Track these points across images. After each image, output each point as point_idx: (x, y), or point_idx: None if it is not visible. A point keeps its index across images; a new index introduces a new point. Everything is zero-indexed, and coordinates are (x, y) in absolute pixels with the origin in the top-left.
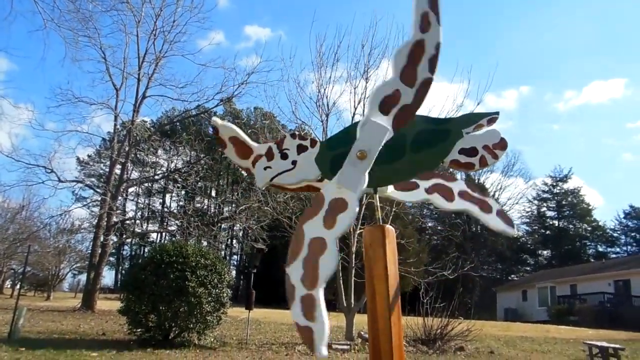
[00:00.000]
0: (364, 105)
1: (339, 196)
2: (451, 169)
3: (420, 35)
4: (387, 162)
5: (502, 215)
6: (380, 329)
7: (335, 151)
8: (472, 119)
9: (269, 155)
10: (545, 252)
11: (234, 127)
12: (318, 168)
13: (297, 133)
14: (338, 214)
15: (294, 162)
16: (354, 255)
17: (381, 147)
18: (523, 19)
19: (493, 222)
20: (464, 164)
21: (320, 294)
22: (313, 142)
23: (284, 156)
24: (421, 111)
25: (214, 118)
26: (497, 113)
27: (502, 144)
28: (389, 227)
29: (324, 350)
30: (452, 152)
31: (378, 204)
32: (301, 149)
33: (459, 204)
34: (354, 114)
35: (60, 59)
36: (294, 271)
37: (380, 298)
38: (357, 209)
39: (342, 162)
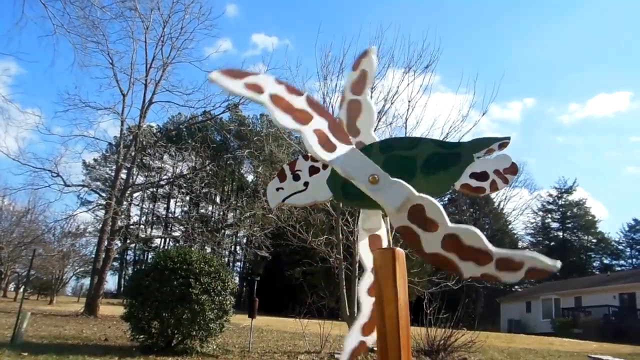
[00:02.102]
0: None
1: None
2: (462, 193)
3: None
4: None
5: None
6: (389, 351)
7: None
8: (483, 144)
9: (282, 176)
10: None
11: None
12: (330, 190)
13: (309, 155)
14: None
15: (306, 184)
16: (357, 265)
17: (392, 170)
18: (527, 31)
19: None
20: (475, 188)
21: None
22: (325, 164)
23: (296, 177)
24: (426, 124)
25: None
26: (509, 138)
27: (513, 169)
28: (400, 250)
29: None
30: (463, 176)
31: (389, 226)
32: (313, 170)
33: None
34: None
35: (68, 65)
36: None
37: (390, 320)
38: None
39: (353, 185)
